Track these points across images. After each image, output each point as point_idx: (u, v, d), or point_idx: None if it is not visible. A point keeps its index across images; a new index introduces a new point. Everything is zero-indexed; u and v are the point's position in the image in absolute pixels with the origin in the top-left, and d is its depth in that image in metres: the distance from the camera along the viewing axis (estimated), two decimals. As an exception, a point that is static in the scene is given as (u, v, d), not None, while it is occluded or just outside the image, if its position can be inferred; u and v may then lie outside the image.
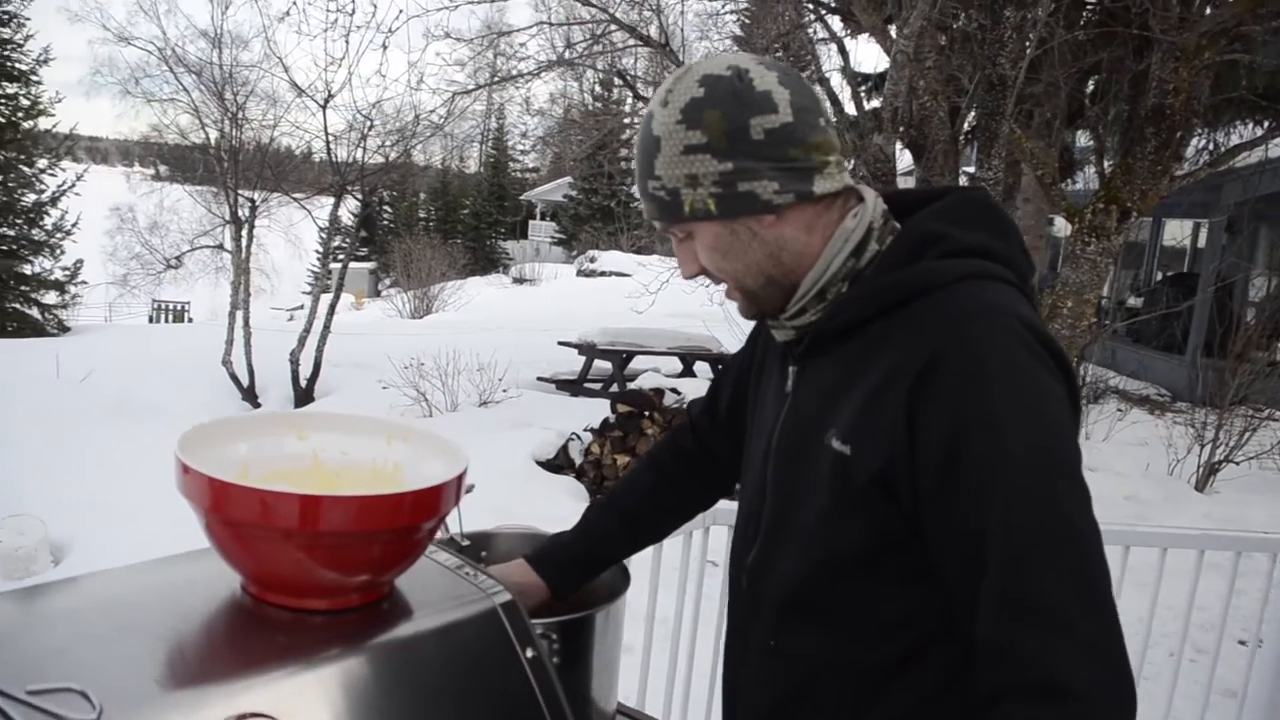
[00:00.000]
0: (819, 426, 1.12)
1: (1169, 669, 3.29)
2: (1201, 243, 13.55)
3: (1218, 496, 7.18)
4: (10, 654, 0.92)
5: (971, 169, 7.08)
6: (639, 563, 3.10)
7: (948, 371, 1.00)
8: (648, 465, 1.54)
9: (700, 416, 1.51)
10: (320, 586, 1.07)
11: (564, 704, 1.16)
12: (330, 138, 11.29)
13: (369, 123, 11.15)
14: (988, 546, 0.97)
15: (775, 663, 1.21)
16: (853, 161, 6.97)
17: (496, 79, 9.86)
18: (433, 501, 1.08)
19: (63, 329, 19.14)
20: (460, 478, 1.13)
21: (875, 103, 9.19)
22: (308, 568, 1.04)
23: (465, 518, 1.56)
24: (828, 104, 1.18)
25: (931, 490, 1.01)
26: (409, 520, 1.06)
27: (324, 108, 11.12)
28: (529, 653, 1.15)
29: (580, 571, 1.46)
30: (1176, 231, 14.76)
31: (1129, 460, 7.41)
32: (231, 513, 1.01)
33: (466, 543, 1.53)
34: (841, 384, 1.10)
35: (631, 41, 9.16)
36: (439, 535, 1.50)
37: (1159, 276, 14.67)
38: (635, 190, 1.20)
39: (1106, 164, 7.82)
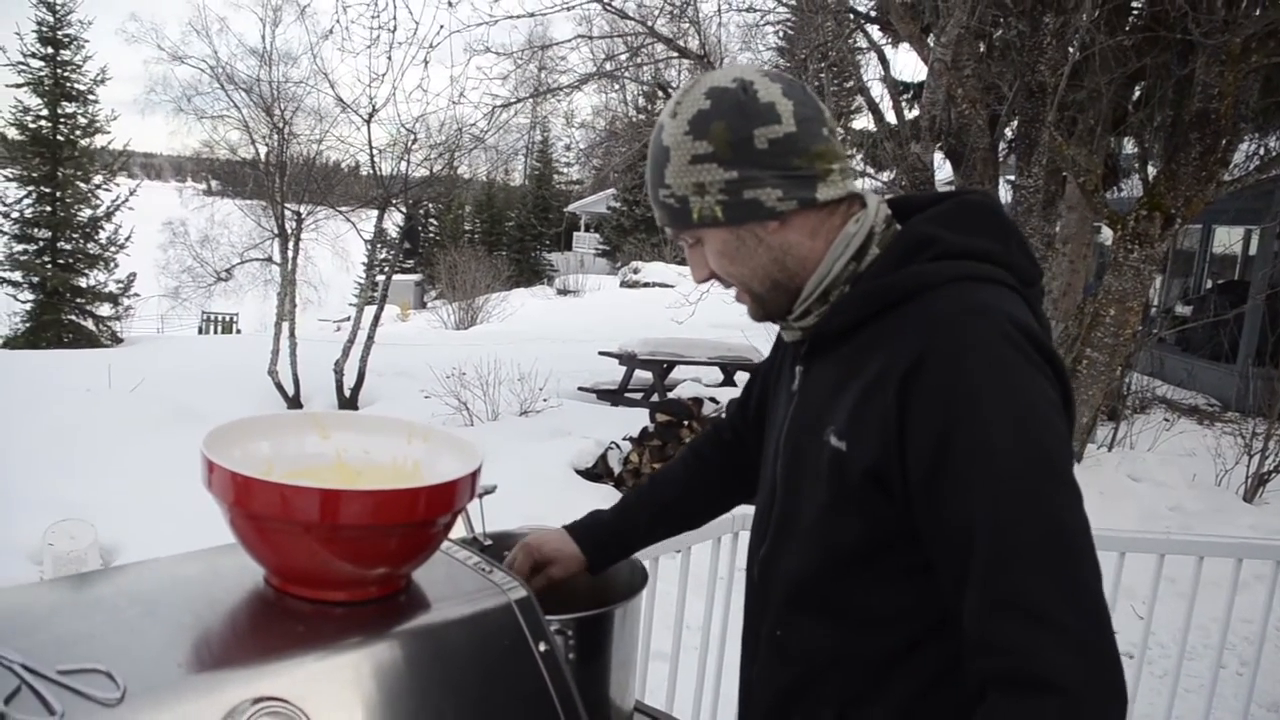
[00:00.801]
0: (820, 424, 1.15)
1: (1210, 681, 3.24)
2: (1253, 250, 13.29)
3: (1267, 508, 7.04)
4: (44, 637, 0.96)
5: (1012, 177, 7.02)
6: (668, 569, 3.13)
7: (936, 370, 1.02)
8: (689, 454, 1.59)
9: (736, 414, 1.56)
10: (339, 579, 1.10)
11: (577, 699, 1.18)
12: (375, 151, 11.46)
13: (413, 136, 11.31)
14: (974, 542, 0.98)
15: (780, 656, 1.24)
16: (893, 171, 6.96)
17: (536, 92, 9.96)
18: (447, 497, 1.12)
19: (116, 340, 19.58)
20: (475, 474, 1.16)
21: (916, 112, 9.15)
22: (326, 560, 1.08)
23: (498, 523, 1.60)
24: (830, 114, 1.21)
25: (921, 486, 1.03)
26: (424, 515, 1.10)
27: (368, 122, 11.30)
28: (542, 647, 1.18)
29: (616, 548, 1.52)
30: (1226, 238, 14.49)
31: (1175, 471, 7.28)
32: (254, 507, 1.05)
33: (489, 542, 1.57)
34: (841, 383, 1.13)
35: (672, 54, 9.21)
36: (461, 535, 1.54)
37: (1208, 284, 14.41)
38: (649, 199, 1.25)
39: (1150, 170, 7.73)
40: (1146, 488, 6.88)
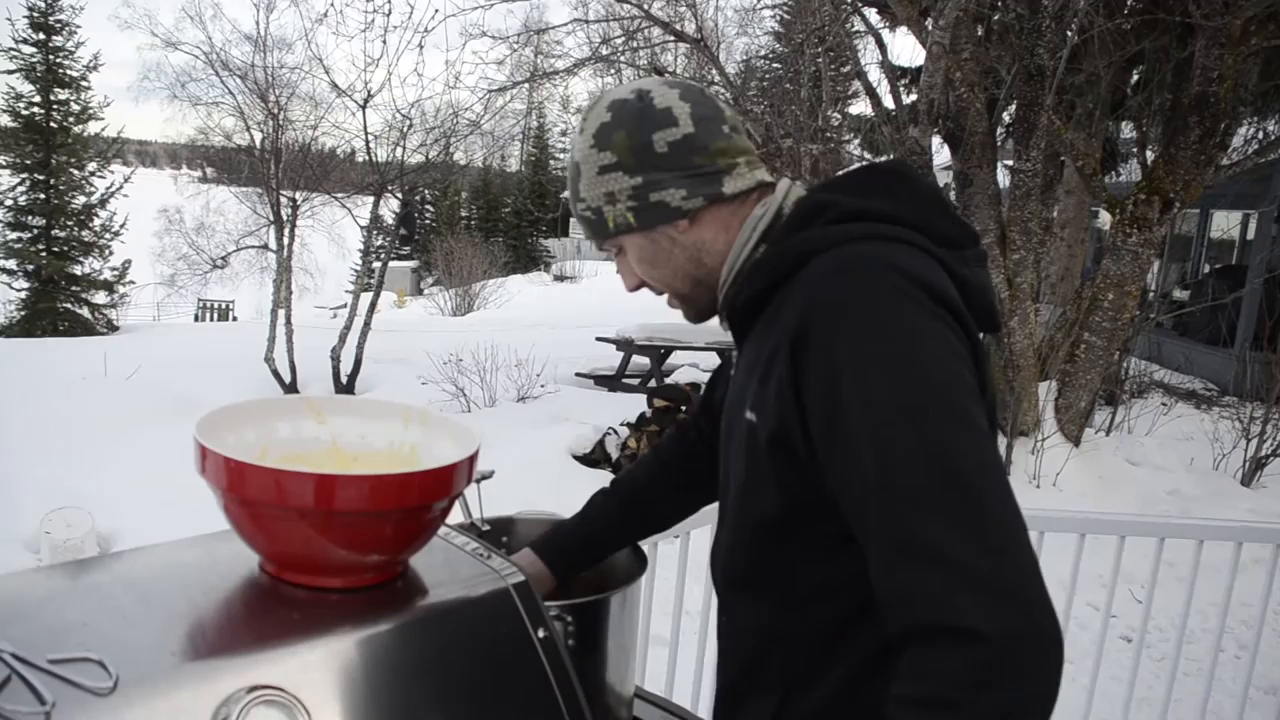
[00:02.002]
0: (742, 403, 1.15)
1: (1209, 664, 3.24)
2: (1250, 234, 13.28)
3: (1264, 491, 7.05)
4: (35, 625, 0.95)
5: (1010, 162, 7.00)
6: (667, 555, 3.12)
7: (818, 325, 1.00)
8: (651, 458, 1.58)
9: (699, 412, 1.54)
10: (334, 565, 1.09)
11: (576, 685, 1.17)
12: (370, 137, 11.41)
13: (408, 122, 11.26)
14: (868, 492, 0.95)
15: (728, 642, 1.25)
16: (891, 156, 6.93)
17: (532, 77, 9.91)
18: (444, 481, 1.10)
19: (111, 328, 19.54)
20: (472, 459, 1.15)
21: (914, 97, 9.11)
22: (321, 546, 1.06)
23: (496, 508, 1.59)
24: (731, 111, 1.23)
25: (820, 444, 1.01)
26: (420, 500, 1.09)
27: (363, 108, 11.24)
28: (541, 633, 1.17)
29: (580, 556, 1.50)
30: (1224, 223, 14.48)
31: (1173, 455, 7.29)
32: (247, 492, 1.04)
33: (487, 528, 1.56)
34: (756, 358, 1.12)
35: (668, 38, 9.16)
36: (460, 520, 1.53)
37: (1206, 269, 14.40)
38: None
39: (1149, 154, 7.71)
40: (1145, 472, 6.88)
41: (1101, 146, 8.53)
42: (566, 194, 1.27)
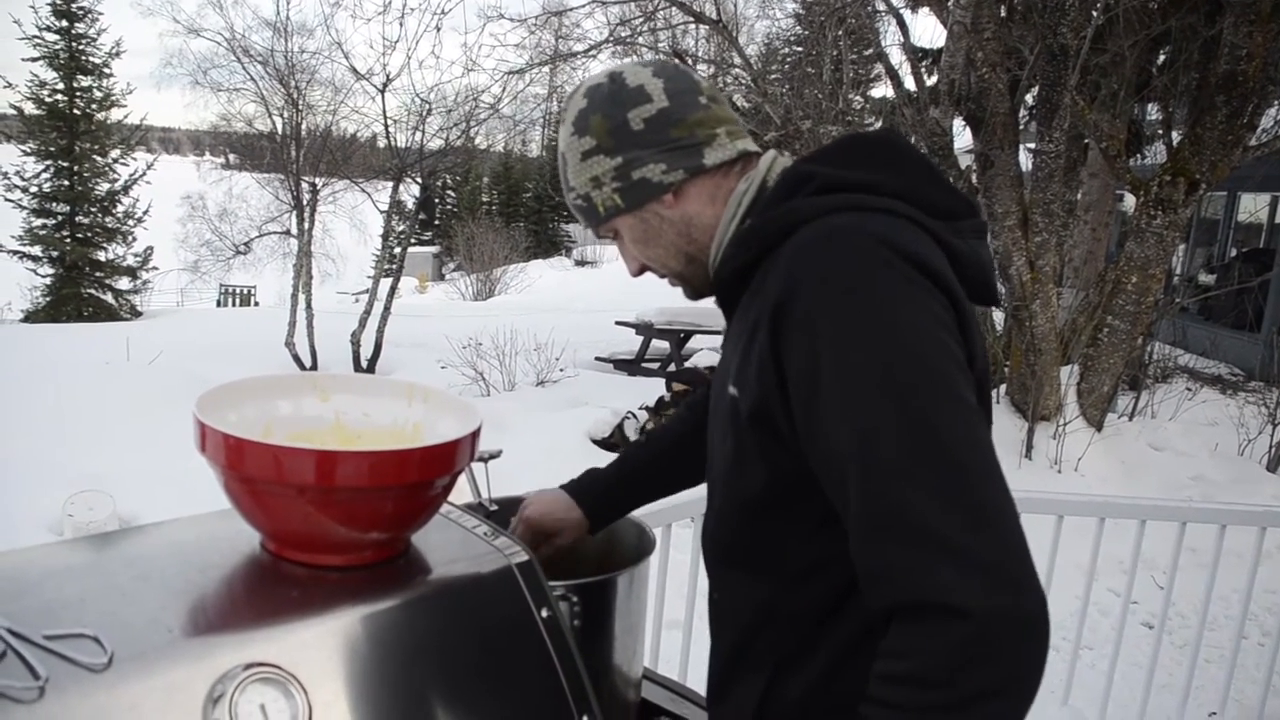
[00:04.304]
0: (725, 376, 1.14)
1: (1231, 651, 3.20)
2: (1279, 217, 13.09)
3: (1291, 477, 6.95)
4: (32, 601, 0.95)
5: (1033, 144, 6.91)
6: (682, 538, 3.11)
7: (799, 296, 0.97)
8: (686, 411, 1.58)
9: None
10: (334, 542, 1.08)
11: (580, 665, 1.16)
12: (389, 122, 11.41)
13: (427, 106, 11.26)
14: (849, 467, 0.93)
15: (719, 620, 1.24)
16: (912, 138, 6.86)
17: (551, 59, 9.87)
18: (444, 458, 1.09)
19: (135, 314, 19.72)
20: (474, 436, 1.14)
21: (935, 79, 9.02)
22: (322, 524, 1.05)
23: (512, 491, 1.58)
24: (709, 83, 1.22)
25: (803, 421, 0.99)
26: (420, 476, 1.07)
27: (382, 92, 11.25)
28: (544, 613, 1.16)
29: (616, 505, 1.52)
30: (1252, 205, 14.28)
31: (1197, 440, 7.20)
32: (247, 470, 1.03)
33: (494, 508, 1.55)
34: (740, 331, 1.10)
35: (689, 20, 9.10)
36: (468, 500, 1.52)
37: (1233, 252, 14.22)
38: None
39: (1175, 135, 7.60)
40: (1168, 457, 6.80)
41: (1126, 128, 8.41)
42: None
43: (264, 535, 1.12)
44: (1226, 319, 11.82)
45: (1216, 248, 14.64)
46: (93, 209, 20.25)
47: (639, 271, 1.26)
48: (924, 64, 9.37)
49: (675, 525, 2.65)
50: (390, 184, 12.60)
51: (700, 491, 2.58)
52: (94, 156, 20.38)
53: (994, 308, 1.40)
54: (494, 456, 1.55)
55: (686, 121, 1.16)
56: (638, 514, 1.59)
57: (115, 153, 20.74)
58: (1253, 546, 2.99)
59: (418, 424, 1.25)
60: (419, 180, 12.89)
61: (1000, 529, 0.88)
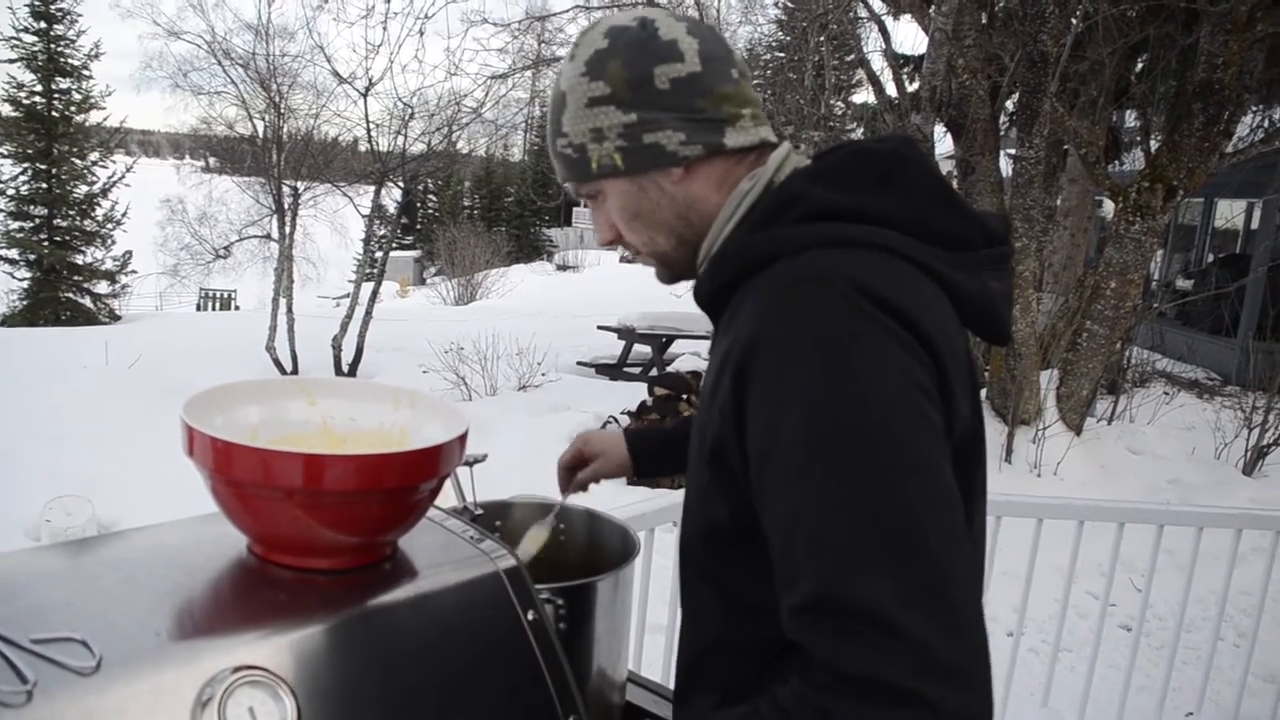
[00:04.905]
0: (709, 396, 1.04)
1: (1206, 653, 3.24)
2: (1255, 223, 13.23)
3: (1266, 480, 7.04)
4: (18, 605, 0.94)
5: (1013, 149, 6.97)
6: (665, 543, 3.12)
7: (766, 346, 0.90)
8: None
9: None
10: (322, 546, 1.08)
11: (566, 668, 1.17)
12: (371, 126, 11.39)
13: (409, 110, 11.24)
14: (798, 540, 0.86)
15: (687, 627, 1.18)
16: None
17: (534, 63, 9.88)
18: (431, 462, 1.09)
19: (114, 318, 19.60)
20: (460, 440, 1.14)
21: (917, 85, 9.08)
22: (310, 527, 1.06)
23: (496, 496, 1.59)
24: (740, 56, 1.11)
25: (755, 476, 0.92)
26: (407, 480, 1.08)
27: (365, 96, 11.23)
28: (530, 615, 1.16)
29: (662, 459, 1.55)
30: (1228, 212, 14.42)
31: (1174, 444, 7.27)
32: (235, 473, 1.03)
33: (479, 512, 1.55)
34: (714, 360, 1.04)
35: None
36: (453, 505, 1.52)
37: (1209, 258, 14.35)
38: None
39: (1153, 142, 7.67)
40: (1146, 461, 6.87)
41: (1105, 134, 8.49)
42: (546, 128, 1.14)
43: (251, 539, 1.12)
44: (1203, 324, 11.94)
45: (1194, 253, 14.78)
46: (71, 212, 20.11)
47: (611, 242, 1.16)
48: (905, 70, 9.43)
49: (659, 529, 2.66)
50: (372, 188, 12.57)
51: (679, 496, 2.59)
52: (72, 159, 20.25)
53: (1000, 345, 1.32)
54: (479, 461, 1.56)
55: (715, 93, 1.05)
56: (621, 517, 1.59)
57: (94, 155, 20.61)
58: (1228, 548, 3.03)
59: (404, 428, 1.26)
60: (401, 184, 12.87)
61: (958, 617, 0.82)
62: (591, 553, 1.59)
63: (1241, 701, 3.26)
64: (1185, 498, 6.12)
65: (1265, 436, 7.29)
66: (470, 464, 1.52)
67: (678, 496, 2.58)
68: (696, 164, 1.06)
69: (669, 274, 1.17)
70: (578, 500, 1.61)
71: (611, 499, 2.41)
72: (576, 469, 1.57)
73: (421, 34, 9.24)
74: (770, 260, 0.97)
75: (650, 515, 2.46)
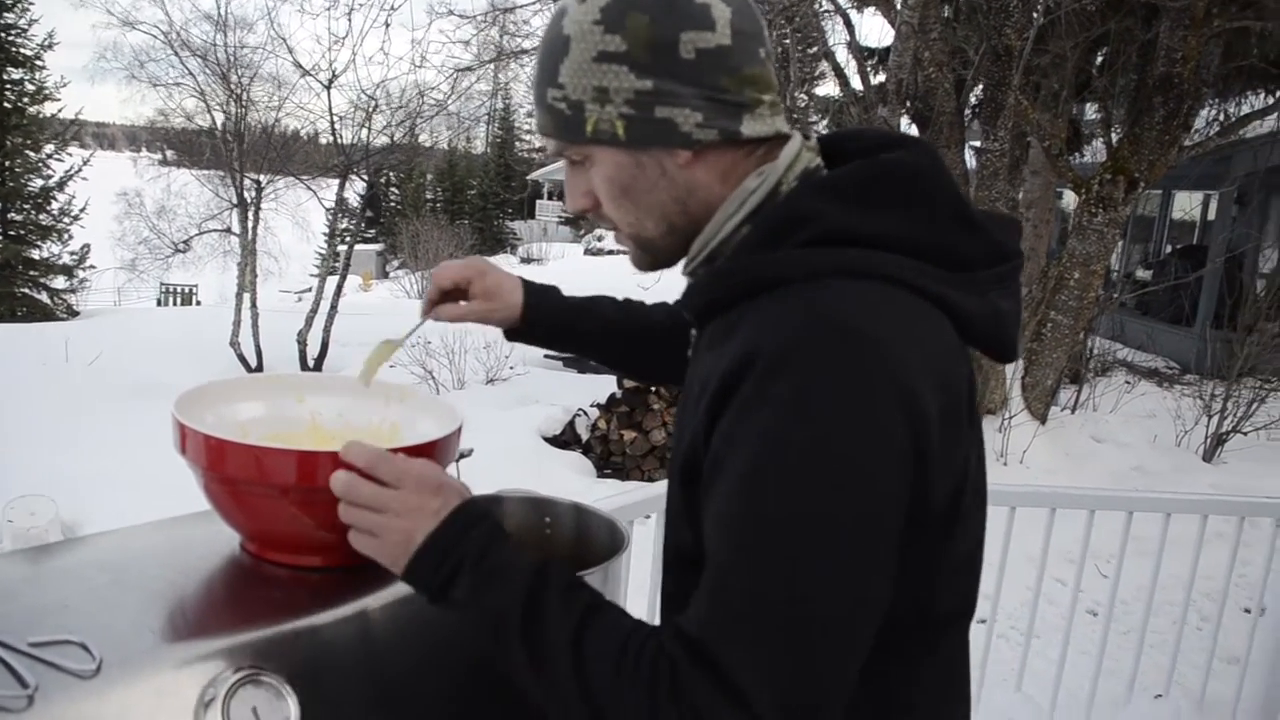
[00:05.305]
0: (687, 410, 0.98)
1: (1173, 637, 3.30)
2: (1211, 215, 13.46)
3: (1225, 467, 7.18)
4: (13, 608, 0.93)
5: (977, 142, 7.04)
6: (641, 536, 3.12)
7: (749, 382, 0.85)
8: (664, 316, 1.41)
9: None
10: (316, 544, 1.08)
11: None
12: (335, 119, 11.28)
13: (373, 103, 11.15)
14: (712, 564, 0.85)
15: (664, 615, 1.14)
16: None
17: (500, 56, 9.83)
18: (427, 458, 1.09)
19: (71, 313, 19.28)
20: (455, 435, 1.14)
21: (881, 77, 9.13)
22: (303, 525, 1.05)
23: (472, 490, 1.58)
24: (768, 34, 0.99)
25: (703, 489, 0.90)
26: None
27: (328, 88, 11.13)
28: (526, 610, 1.16)
29: (559, 319, 1.35)
30: (1186, 203, 14.67)
31: (1137, 431, 7.40)
32: (228, 470, 1.02)
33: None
34: (706, 367, 0.94)
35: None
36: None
37: (1168, 249, 14.59)
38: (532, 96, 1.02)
39: (1114, 135, 7.78)
40: (1109, 448, 6.99)
41: (1067, 127, 8.60)
42: (534, 70, 1.00)
43: (244, 537, 1.11)
44: (1163, 314, 12.14)
45: (1152, 244, 15.02)
46: (26, 206, 19.74)
47: (583, 212, 1.03)
48: (870, 63, 9.48)
49: (637, 523, 2.66)
50: (334, 181, 12.45)
51: (658, 489, 2.60)
52: (26, 152, 19.87)
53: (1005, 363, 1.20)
54: (466, 455, 1.55)
55: (741, 73, 0.94)
56: (608, 510, 1.59)
57: (49, 148, 20.24)
58: (1194, 534, 3.08)
59: (395, 424, 1.25)
60: (365, 177, 12.77)
61: (813, 707, 0.81)
62: (579, 547, 1.58)
63: (1207, 684, 3.32)
64: (1148, 484, 6.23)
65: (1224, 424, 7.43)
66: (458, 459, 1.52)
67: (653, 489, 2.59)
68: (706, 149, 0.95)
69: (648, 261, 1.05)
70: (565, 495, 1.60)
71: (585, 492, 2.40)
72: (453, 295, 1.31)
73: (387, 26, 9.16)
74: (774, 284, 0.90)
75: (630, 508, 2.47)
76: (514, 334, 1.34)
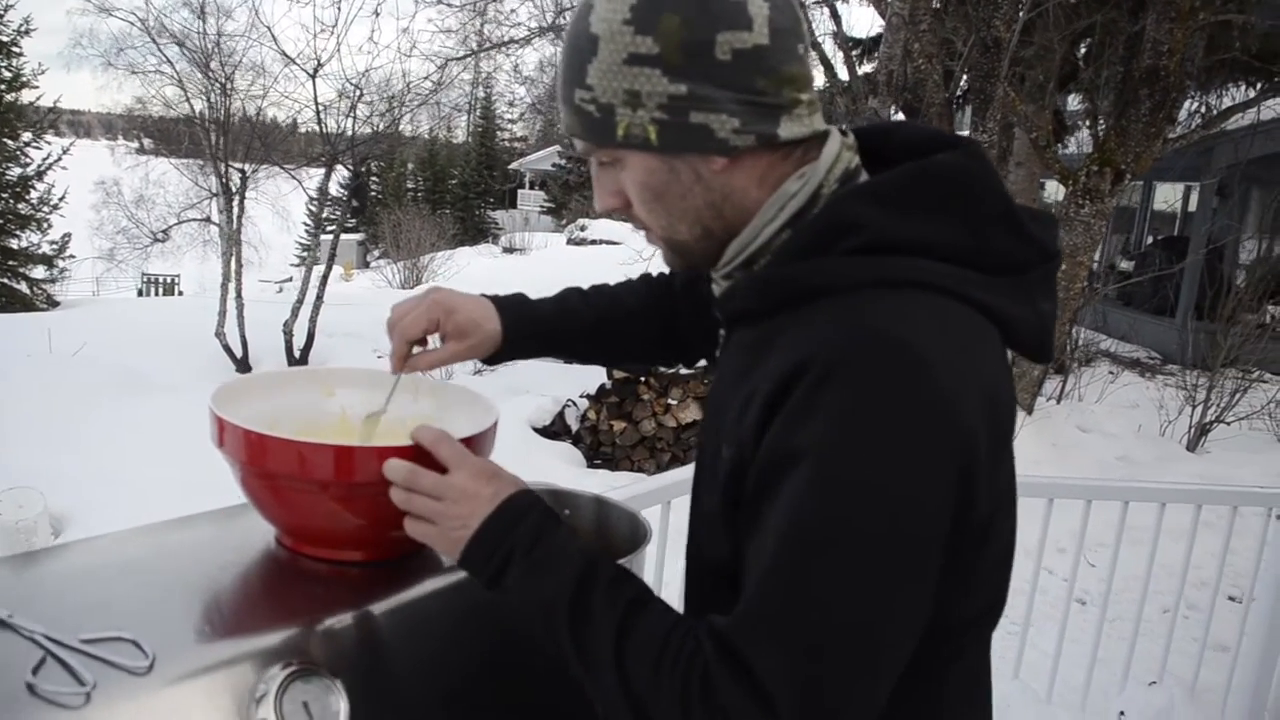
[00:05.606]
0: (721, 418, 0.96)
1: (1163, 625, 3.34)
2: (1192, 206, 13.58)
3: (1209, 456, 7.25)
4: (61, 605, 0.93)
5: (966, 132, 7.06)
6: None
7: (797, 402, 0.84)
8: (643, 285, 1.37)
9: (681, 293, 1.34)
10: (355, 538, 1.08)
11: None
12: (320, 107, 11.20)
13: (359, 92, 11.07)
14: (752, 587, 0.85)
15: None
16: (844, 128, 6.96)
17: (489, 45, 9.79)
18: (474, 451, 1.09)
19: (52, 303, 19.08)
20: (492, 430, 1.14)
21: (867, 67, 9.15)
22: (344, 519, 1.05)
23: None
24: (806, 28, 0.96)
25: (747, 502, 0.89)
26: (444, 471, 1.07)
27: (313, 77, 11.04)
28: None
29: (537, 338, 1.27)
30: (1167, 195, 14.79)
31: (1121, 422, 7.47)
32: (269, 465, 1.02)
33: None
34: (743, 374, 0.93)
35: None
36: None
37: (1149, 240, 14.71)
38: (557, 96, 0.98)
39: (1099, 127, 7.83)
40: (1095, 438, 7.05)
41: (1052, 118, 8.64)
42: (559, 69, 0.96)
43: (282, 531, 1.11)
44: (1145, 305, 12.24)
45: (1134, 235, 15.13)
46: (4, 195, 19.52)
47: (610, 211, 1.00)
48: (856, 54, 9.49)
49: (643, 512, 2.66)
50: (317, 170, 12.36)
51: (662, 480, 2.60)
52: (4, 140, 19.63)
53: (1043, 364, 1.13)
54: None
55: (779, 74, 0.90)
56: (629, 503, 1.60)
57: (27, 136, 20.01)
58: (1179, 523, 3.12)
59: (427, 418, 1.25)
60: (350, 167, 12.69)
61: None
62: (599, 539, 1.59)
63: (1199, 672, 3.36)
64: (1134, 474, 6.29)
65: (1208, 414, 7.51)
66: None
67: (660, 480, 2.59)
68: (743, 154, 0.92)
69: (681, 263, 1.02)
70: (584, 488, 1.61)
71: (575, 482, 2.40)
72: (422, 341, 1.21)
73: (377, 14, 9.09)
74: (818, 293, 0.89)
75: (635, 500, 2.47)
76: (493, 359, 1.27)
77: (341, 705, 0.91)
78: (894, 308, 0.86)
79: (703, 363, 1.43)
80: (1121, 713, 3.25)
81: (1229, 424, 7.62)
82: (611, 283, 1.38)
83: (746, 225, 0.95)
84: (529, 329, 1.24)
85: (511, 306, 1.24)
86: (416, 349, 1.18)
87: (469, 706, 1.03)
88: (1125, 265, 13.79)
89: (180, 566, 1.06)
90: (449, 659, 1.04)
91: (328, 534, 1.08)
